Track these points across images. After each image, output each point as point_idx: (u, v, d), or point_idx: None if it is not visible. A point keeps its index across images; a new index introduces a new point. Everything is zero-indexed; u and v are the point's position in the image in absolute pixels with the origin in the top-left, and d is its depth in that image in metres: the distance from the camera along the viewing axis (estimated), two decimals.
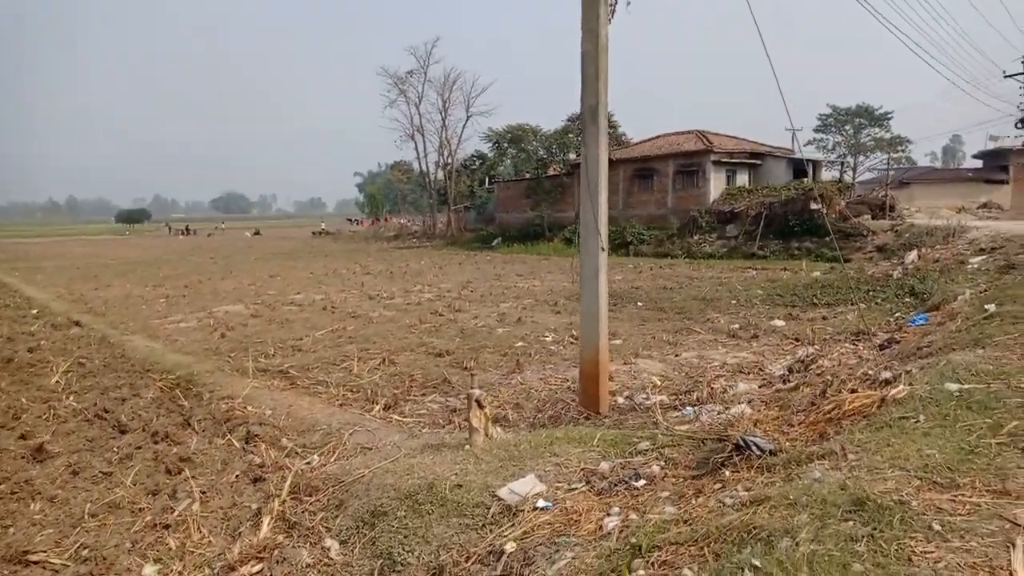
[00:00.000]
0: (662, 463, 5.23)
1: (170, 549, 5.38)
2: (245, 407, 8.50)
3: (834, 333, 11.43)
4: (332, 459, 6.66)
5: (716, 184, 35.28)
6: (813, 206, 29.34)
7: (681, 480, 4.73)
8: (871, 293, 15.40)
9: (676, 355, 10.84)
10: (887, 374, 5.06)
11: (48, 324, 15.91)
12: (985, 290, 10.58)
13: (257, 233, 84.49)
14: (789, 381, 8.36)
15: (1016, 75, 37.22)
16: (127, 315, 17.27)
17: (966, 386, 4.46)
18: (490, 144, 49.46)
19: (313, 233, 76.45)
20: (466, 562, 4.12)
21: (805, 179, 36.75)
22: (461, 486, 5.00)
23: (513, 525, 4.39)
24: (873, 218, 30.22)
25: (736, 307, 15.39)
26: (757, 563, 2.64)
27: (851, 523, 2.78)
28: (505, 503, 4.70)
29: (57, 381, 10.51)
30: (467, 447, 5.84)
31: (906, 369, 5.74)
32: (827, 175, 44.23)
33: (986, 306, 8.02)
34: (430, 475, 5.31)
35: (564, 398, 8.28)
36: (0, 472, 7.11)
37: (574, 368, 9.11)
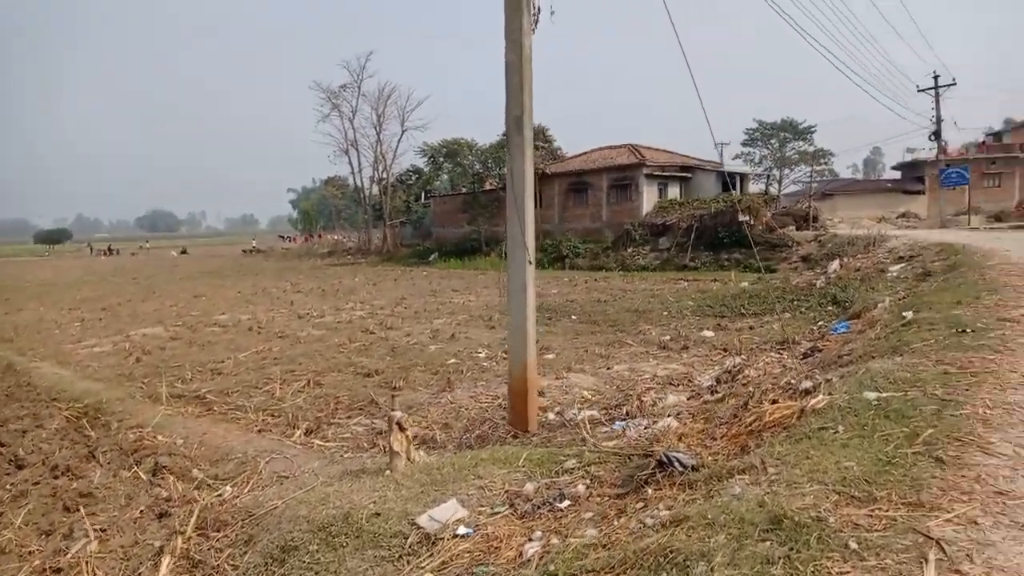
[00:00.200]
0: (588, 481, 5.11)
1: None
2: (155, 436, 8.04)
3: (760, 343, 11.61)
4: (246, 490, 6.31)
5: (649, 197, 35.90)
6: (741, 218, 30.14)
7: (606, 499, 4.62)
8: (796, 302, 15.79)
9: (608, 368, 10.82)
10: (807, 384, 5.08)
11: None
12: (903, 297, 10.92)
13: (184, 252, 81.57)
14: (716, 392, 8.40)
15: (927, 89, 39.23)
16: (38, 340, 16.32)
17: (884, 394, 4.49)
18: (426, 159, 49.15)
19: (244, 251, 74.35)
20: None
21: (733, 192, 37.79)
22: (379, 515, 4.76)
23: (432, 555, 4.18)
24: (798, 229, 31.25)
25: (667, 319, 15.55)
26: None
27: (768, 543, 2.70)
28: (424, 531, 4.49)
29: None
30: (388, 472, 5.60)
31: (827, 378, 5.79)
32: (754, 188, 45.60)
33: (904, 313, 8.23)
34: (346, 504, 5.05)
35: (494, 416, 8.11)
36: None
37: (506, 384, 8.97)
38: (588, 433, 6.73)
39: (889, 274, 15.44)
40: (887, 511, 2.84)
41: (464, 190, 46.82)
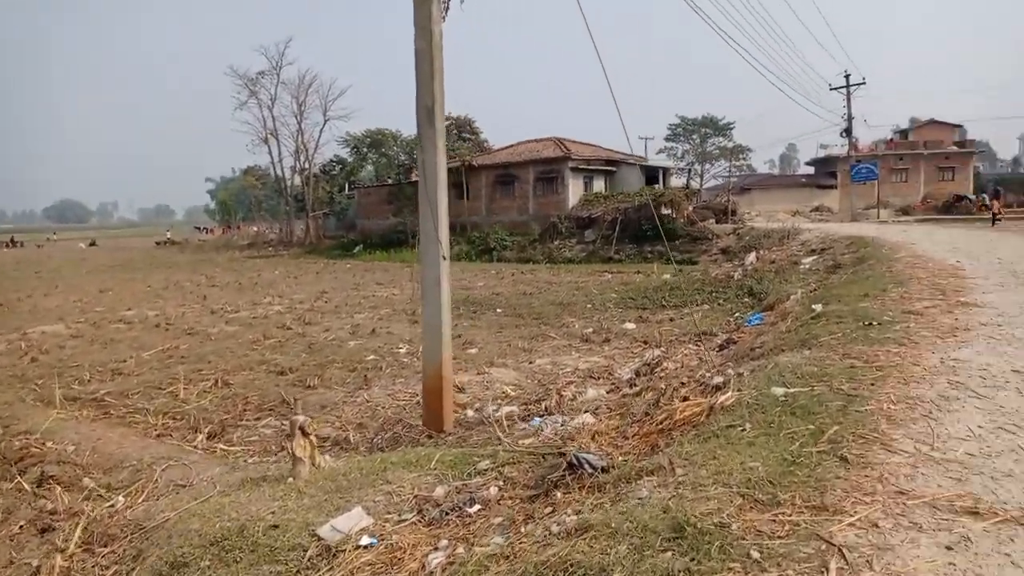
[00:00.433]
0: (501, 483, 4.95)
1: None
2: (43, 443, 7.45)
3: (680, 335, 11.74)
4: (139, 500, 5.87)
5: (575, 190, 36.11)
6: (663, 211, 30.68)
7: (517, 502, 4.47)
8: (714, 294, 16.13)
9: (531, 362, 10.74)
10: (718, 379, 5.06)
11: None
12: (815, 289, 11.24)
13: (93, 244, 77.29)
14: (635, 385, 8.41)
15: (839, 88, 40.87)
16: None
17: (791, 390, 4.49)
18: (349, 149, 48.04)
19: (157, 243, 71.00)
20: None
21: (656, 186, 38.49)
22: (277, 527, 4.47)
23: (331, 568, 3.94)
24: (717, 222, 32.06)
25: (591, 311, 15.60)
26: None
27: (669, 554, 2.59)
28: (325, 543, 4.23)
29: None
30: (290, 480, 5.29)
31: (739, 371, 5.81)
32: (676, 182, 46.54)
33: (814, 306, 8.41)
34: (243, 516, 4.73)
35: (411, 415, 7.87)
36: None
37: None
38: (504, 431, 6.58)
39: (802, 266, 15.95)
40: (790, 515, 2.78)
41: (390, 181, 46.03)
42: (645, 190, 34.99)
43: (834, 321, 7.02)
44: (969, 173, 52.58)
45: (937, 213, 43.80)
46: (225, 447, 7.46)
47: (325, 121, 51.24)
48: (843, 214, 42.65)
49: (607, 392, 8.53)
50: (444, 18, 6.34)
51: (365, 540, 4.19)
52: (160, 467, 6.47)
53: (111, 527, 5.28)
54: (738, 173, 63.06)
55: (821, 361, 5.30)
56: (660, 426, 4.43)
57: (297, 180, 54.53)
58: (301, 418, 5.40)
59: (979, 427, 3.67)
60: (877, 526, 2.64)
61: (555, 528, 3.38)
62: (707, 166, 66.05)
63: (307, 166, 52.71)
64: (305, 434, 5.36)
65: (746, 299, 14.72)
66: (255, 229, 67.93)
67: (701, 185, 58.91)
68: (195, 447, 7.38)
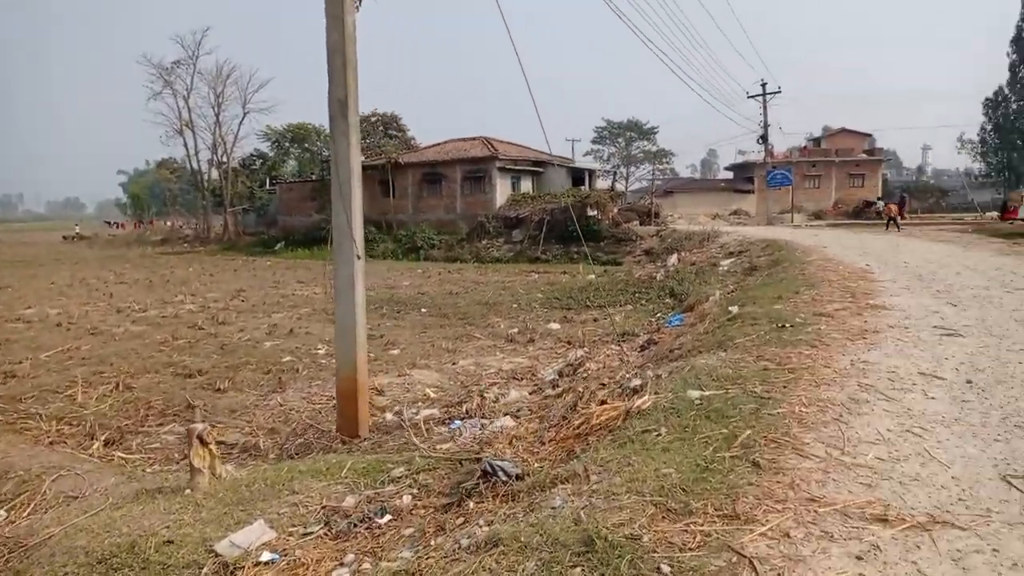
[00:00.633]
0: (415, 491, 4.77)
1: None
2: None
3: (603, 335, 11.78)
4: (24, 515, 5.39)
5: (502, 190, 36.06)
6: (590, 212, 30.99)
7: (430, 511, 4.30)
8: (637, 295, 16.32)
9: (454, 363, 10.55)
10: (636, 382, 5.02)
11: None
12: (732, 291, 11.47)
13: None
14: (558, 386, 8.35)
15: (756, 96, 42.29)
16: None
17: (707, 393, 4.48)
18: (270, 143, 46.56)
19: (64, 238, 67.01)
20: None
21: (583, 187, 38.88)
22: (171, 542, 4.15)
23: None
24: (641, 224, 32.61)
25: (517, 311, 15.53)
26: None
27: (579, 570, 2.47)
28: (222, 559, 3.95)
29: None
30: (188, 492, 4.94)
31: (657, 373, 5.80)
32: (602, 184, 47.19)
33: (730, 308, 8.55)
34: (135, 531, 4.38)
35: (325, 420, 7.56)
36: None
37: None
38: (421, 435, 6.39)
39: (721, 268, 16.33)
40: (703, 525, 2.71)
41: (313, 177, 44.86)
42: (572, 191, 35.28)
43: (749, 323, 7.12)
44: (878, 180, 55.38)
45: (847, 218, 45.90)
46: (123, 455, 6.98)
47: (245, 114, 49.57)
48: (760, 218, 44.18)
49: (530, 393, 8.45)
50: (358, 8, 6.09)
51: (266, 556, 3.94)
52: (50, 478, 5.95)
53: None
54: (662, 176, 64.57)
55: (736, 363, 5.33)
56: (577, 431, 4.33)
57: (215, 174, 52.50)
58: (199, 426, 5.05)
59: (888, 430, 3.72)
60: (789, 536, 2.60)
61: (465, 542, 3.22)
62: (632, 169, 67.36)
63: (225, 160, 50.78)
64: (204, 443, 5.02)
65: (667, 300, 14.94)
66: (169, 224, 65.08)
67: (626, 187, 60.03)
68: (91, 455, 6.87)
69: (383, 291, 19.96)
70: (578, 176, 41.28)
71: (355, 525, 4.24)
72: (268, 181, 51.77)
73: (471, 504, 3.82)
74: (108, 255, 43.42)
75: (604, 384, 6.36)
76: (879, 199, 45.49)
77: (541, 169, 39.04)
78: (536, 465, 4.14)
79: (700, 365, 5.32)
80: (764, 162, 46.77)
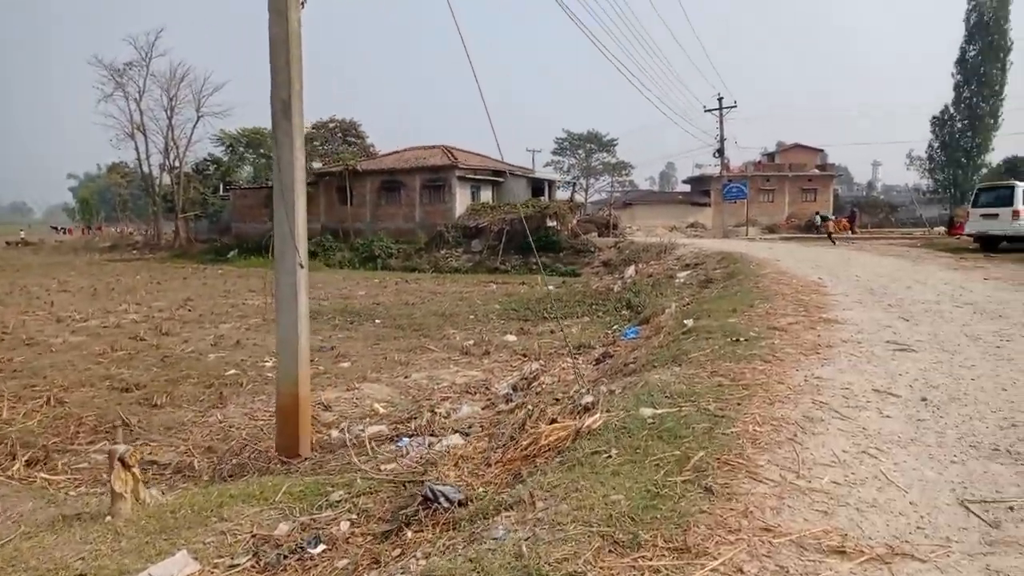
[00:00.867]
0: (355, 516, 4.49)
1: None
2: None
3: (559, 347, 11.60)
4: None
5: (462, 199, 35.84)
6: (549, 223, 30.98)
7: (368, 540, 4.03)
8: (595, 306, 16.23)
9: (406, 377, 10.26)
10: (588, 398, 4.83)
11: None
12: (688, 303, 11.40)
13: None
14: (512, 400, 8.13)
15: (713, 110, 42.91)
16: None
17: (660, 411, 4.30)
18: (224, 148, 45.53)
19: (8, 243, 64.47)
20: None
21: (543, 198, 38.88)
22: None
23: None
24: (600, 235, 32.75)
25: (473, 322, 15.29)
26: None
27: None
28: None
29: None
30: (108, 519, 4.58)
31: (610, 388, 5.62)
32: (562, 195, 47.32)
33: (685, 321, 8.45)
34: (45, 563, 4.04)
35: (267, 437, 7.19)
36: None
37: None
38: (365, 455, 6.10)
39: (677, 280, 16.34)
40: (651, 560, 2.51)
41: (269, 183, 43.98)
42: (531, 202, 35.24)
43: (704, 336, 7.01)
44: (830, 195, 56.74)
45: (800, 232, 46.81)
46: (47, 476, 6.53)
47: (199, 117, 48.44)
48: (716, 231, 44.79)
49: (482, 408, 8.21)
50: (303, 3, 5.82)
51: None
52: None
53: None
54: (621, 188, 65.14)
55: (690, 379, 5.18)
56: (525, 452, 4.12)
57: (167, 179, 51.12)
58: (121, 448, 4.71)
59: (843, 451, 3.58)
60: (742, 571, 2.41)
61: None
62: (592, 180, 67.82)
63: (178, 164, 49.51)
64: (126, 466, 4.67)
65: (624, 312, 14.86)
66: (119, 230, 63.15)
67: (586, 199, 60.36)
68: (10, 477, 6.40)
69: (337, 301, 19.51)
70: (538, 187, 41.29)
71: (285, 556, 3.95)
72: (222, 187, 50.59)
73: (409, 534, 3.57)
74: (53, 262, 41.84)
75: (558, 399, 6.17)
76: (817, 213, 46.58)
77: (501, 179, 38.94)
78: (481, 489, 3.90)
79: (654, 381, 5.16)
80: (720, 176, 47.50)
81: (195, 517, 4.57)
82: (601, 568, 2.47)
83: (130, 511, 4.65)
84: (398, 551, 3.45)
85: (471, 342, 12.78)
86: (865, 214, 53.52)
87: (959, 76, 55.37)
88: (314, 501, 4.82)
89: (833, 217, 46.16)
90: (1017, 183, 19.58)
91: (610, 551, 2.60)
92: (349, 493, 4.90)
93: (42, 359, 11.64)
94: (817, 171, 57.21)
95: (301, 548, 4.01)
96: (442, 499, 3.67)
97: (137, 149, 49.60)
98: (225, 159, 47.83)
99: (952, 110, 56.17)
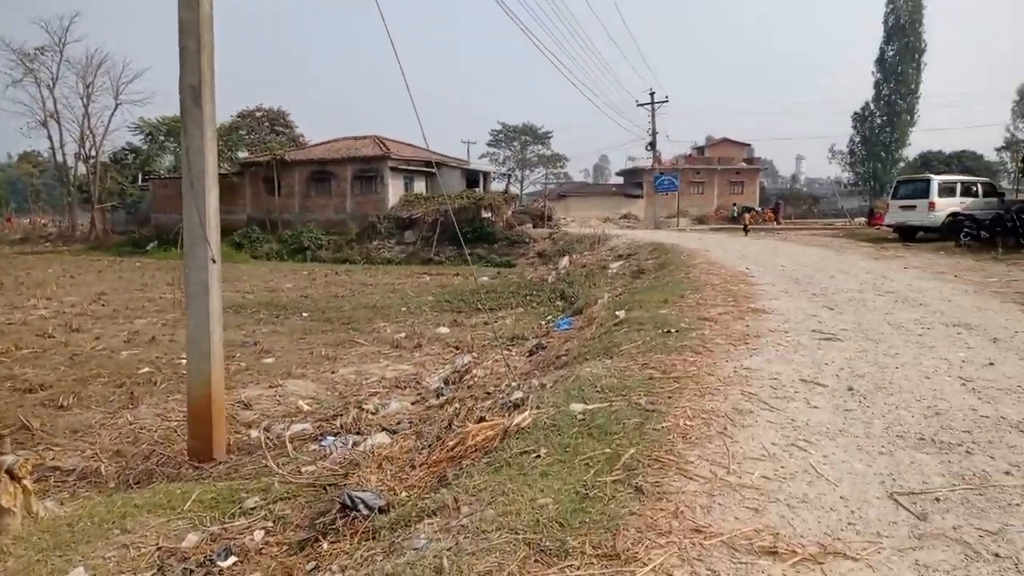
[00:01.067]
0: (271, 524, 4.22)
1: None
2: None
3: (493, 339, 11.45)
4: None
5: (395, 190, 35.24)
6: (484, 214, 30.77)
7: (283, 550, 3.77)
8: (529, 297, 16.15)
9: (333, 372, 9.92)
10: (518, 394, 4.68)
11: None
12: (620, 294, 11.42)
13: None
14: (443, 394, 7.94)
15: (644, 104, 43.46)
16: None
17: (590, 406, 4.19)
18: (144, 136, 43.45)
19: None
20: None
21: (477, 189, 38.63)
22: None
23: None
24: (535, 227, 32.73)
25: (405, 315, 14.98)
26: None
27: None
28: None
29: None
30: None
31: (542, 382, 5.49)
32: (497, 186, 47.17)
33: (617, 312, 8.41)
34: None
35: (178, 440, 6.77)
36: None
37: None
38: (286, 456, 5.79)
39: (610, 271, 16.41)
40: (579, 569, 2.37)
41: None
42: (466, 193, 34.96)
43: (636, 328, 6.96)
44: (756, 187, 58.54)
45: (728, 223, 48.01)
46: None
47: (117, 105, 46.03)
48: (648, 222, 45.44)
49: (412, 403, 7.98)
50: None
51: None
52: None
53: None
54: (555, 180, 65.46)
55: (622, 372, 5.09)
56: (451, 452, 3.93)
57: (83, 169, 48.49)
58: (9, 458, 4.30)
59: (773, 444, 3.53)
60: None
61: None
62: (527, 172, 67.92)
63: (94, 154, 47.00)
64: (15, 478, 4.25)
65: (559, 302, 14.83)
66: (30, 222, 59.69)
67: (521, 190, 60.39)
68: None
69: (262, 294, 18.84)
70: (473, 178, 41.00)
71: (192, 571, 3.66)
72: (141, 177, 48.26)
73: (325, 544, 3.34)
74: None
75: (489, 393, 6.01)
76: (735, 204, 48.03)
77: (435, 170, 38.46)
78: (404, 494, 3.70)
79: (585, 375, 5.05)
80: (652, 168, 48.22)
81: (95, 530, 4.21)
82: None
83: (19, 527, 4.25)
84: (312, 564, 3.22)
85: (402, 335, 12.50)
86: (789, 205, 55.33)
87: (879, 75, 58.03)
88: (226, 509, 4.52)
89: (758, 209, 47.53)
90: (933, 177, 20.50)
91: (536, 560, 2.45)
92: (265, 499, 4.62)
93: None
94: (744, 164, 58.91)
95: (210, 561, 3.73)
96: (361, 506, 3.45)
97: (50, 138, 46.82)
98: (145, 148, 45.59)
99: (872, 107, 58.82)
